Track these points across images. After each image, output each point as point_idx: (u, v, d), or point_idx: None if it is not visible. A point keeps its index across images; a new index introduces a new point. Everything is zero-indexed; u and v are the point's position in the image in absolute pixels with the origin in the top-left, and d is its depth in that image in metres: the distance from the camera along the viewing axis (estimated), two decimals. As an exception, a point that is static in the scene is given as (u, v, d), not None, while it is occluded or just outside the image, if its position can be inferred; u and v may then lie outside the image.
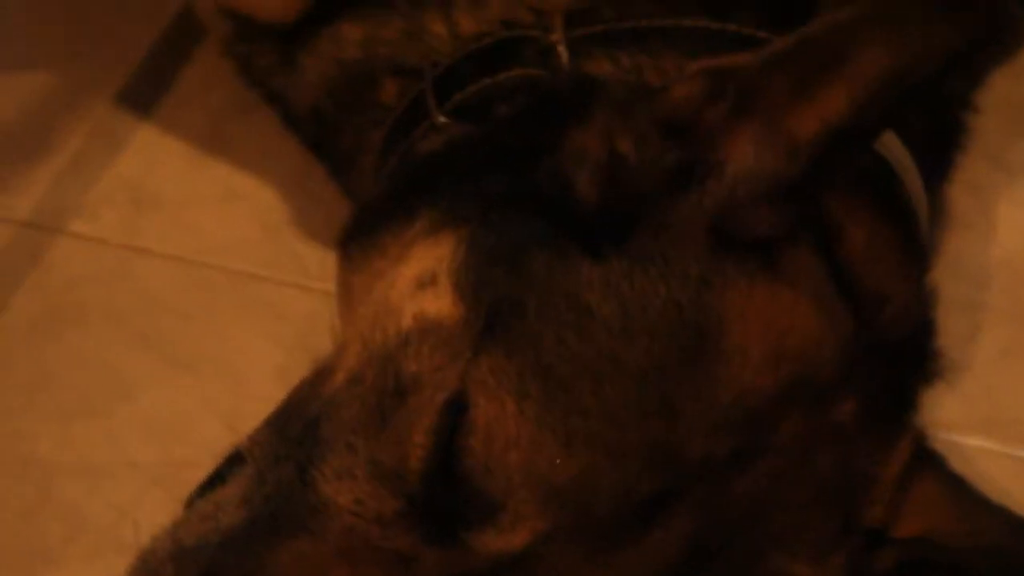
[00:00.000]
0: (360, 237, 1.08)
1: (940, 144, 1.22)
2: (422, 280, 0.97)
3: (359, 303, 1.05)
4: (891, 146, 1.06)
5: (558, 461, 0.90)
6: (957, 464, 1.05)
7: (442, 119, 1.11)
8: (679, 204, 0.95)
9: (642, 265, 0.94)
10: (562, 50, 1.08)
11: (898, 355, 1.04)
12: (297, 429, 0.99)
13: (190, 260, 1.37)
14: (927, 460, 1.04)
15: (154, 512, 0.98)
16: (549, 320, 0.93)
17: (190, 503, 0.99)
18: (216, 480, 0.99)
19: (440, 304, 0.95)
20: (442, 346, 0.94)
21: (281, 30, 1.23)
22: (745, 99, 0.94)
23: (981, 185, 1.37)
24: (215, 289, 1.34)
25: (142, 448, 1.24)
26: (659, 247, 0.95)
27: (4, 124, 1.44)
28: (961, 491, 1.04)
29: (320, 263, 1.24)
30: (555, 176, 0.99)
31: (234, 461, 0.99)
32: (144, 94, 1.44)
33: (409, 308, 0.95)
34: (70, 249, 1.36)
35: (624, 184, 0.96)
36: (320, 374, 1.01)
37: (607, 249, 0.94)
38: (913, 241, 1.09)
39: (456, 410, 0.89)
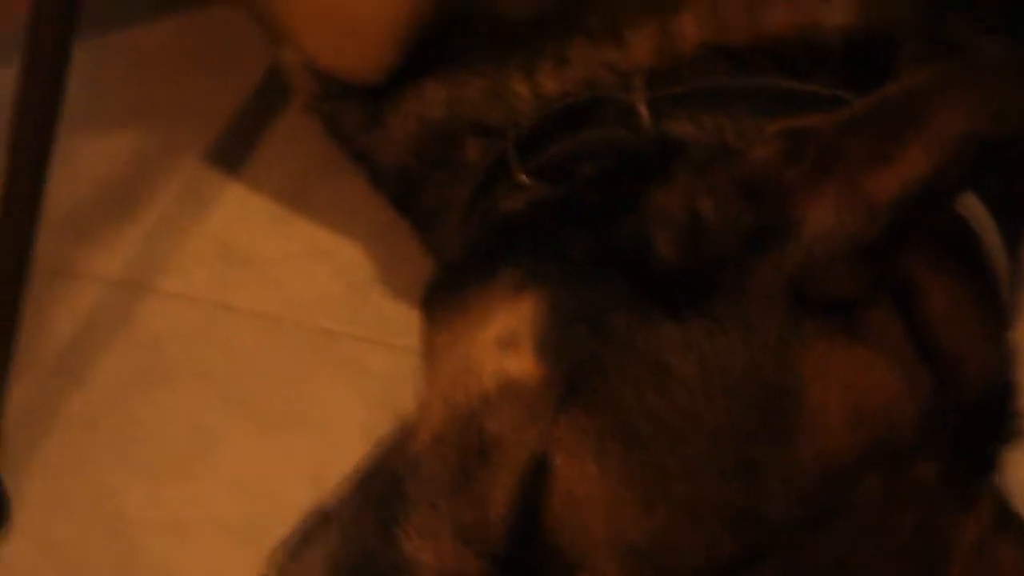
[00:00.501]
0: (443, 296, 1.08)
1: (1020, 203, 1.18)
2: (503, 340, 0.97)
3: (441, 361, 1.04)
4: (970, 205, 1.04)
5: (638, 522, 0.90)
6: None
7: (524, 178, 1.10)
8: (758, 266, 0.95)
9: (721, 326, 0.94)
10: (643, 110, 1.07)
11: (978, 415, 1.02)
12: (381, 488, 0.99)
13: (276, 317, 1.39)
14: (1008, 523, 1.03)
15: (242, 571, 1.03)
16: (629, 380, 0.93)
17: (275, 562, 1.00)
18: (301, 539, 1.00)
19: (521, 364, 0.94)
20: (523, 406, 0.94)
21: (367, 90, 1.24)
22: (824, 160, 0.93)
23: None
24: (300, 346, 1.36)
25: (229, 506, 1.25)
26: (738, 308, 0.95)
27: (96, 181, 1.44)
28: None
29: (404, 320, 1.23)
30: (636, 236, 0.98)
31: (319, 520, 1.00)
32: (232, 152, 1.45)
33: (490, 368, 0.96)
34: (159, 306, 1.37)
35: (704, 245, 0.96)
36: (403, 432, 1.01)
37: (687, 309, 0.94)
38: (993, 301, 1.07)
39: (537, 470, 0.90)
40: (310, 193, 1.42)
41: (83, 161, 1.41)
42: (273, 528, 0.98)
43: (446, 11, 1.18)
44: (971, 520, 1.01)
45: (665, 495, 0.89)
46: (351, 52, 1.23)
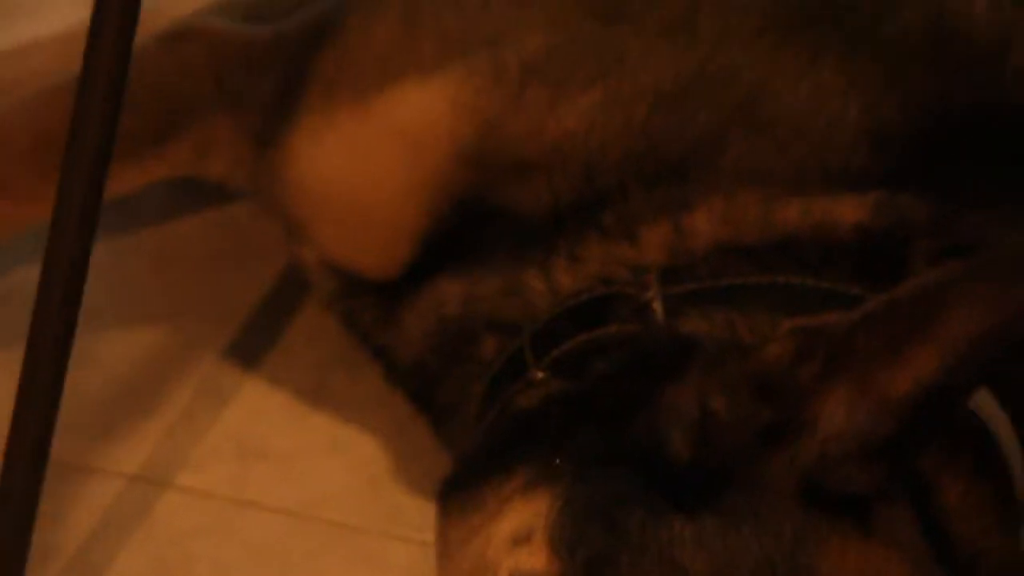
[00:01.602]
0: (458, 491, 1.08)
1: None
2: (518, 536, 0.98)
3: (457, 557, 1.06)
4: (985, 401, 1.06)
5: None
6: None
7: (539, 374, 1.11)
8: (771, 462, 0.96)
9: (734, 522, 0.96)
10: (657, 307, 1.09)
11: None
12: None
13: (294, 512, 1.36)
14: None
15: None
16: None
17: None
18: None
19: (535, 561, 0.96)
20: None
21: (383, 286, 1.25)
22: (836, 359, 0.95)
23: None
24: (319, 541, 1.33)
25: None
26: (751, 505, 0.97)
27: (116, 378, 1.42)
28: None
29: (421, 514, 1.21)
30: (649, 433, 1.00)
31: None
32: (251, 348, 1.46)
33: (505, 564, 0.97)
34: (177, 502, 1.35)
35: (717, 442, 0.97)
36: None
37: (699, 506, 0.95)
38: (1009, 497, 1.08)
39: None
40: (328, 388, 1.41)
41: (102, 358, 1.41)
42: None
43: (462, 210, 1.20)
44: None
45: None
46: (366, 249, 1.24)
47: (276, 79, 1.32)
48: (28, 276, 1.19)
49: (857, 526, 0.96)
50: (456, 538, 1.06)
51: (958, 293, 0.92)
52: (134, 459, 1.37)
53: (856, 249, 1.12)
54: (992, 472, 1.06)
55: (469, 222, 1.21)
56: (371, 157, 1.24)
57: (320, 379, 1.42)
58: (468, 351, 1.20)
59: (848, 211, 1.12)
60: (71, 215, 1.13)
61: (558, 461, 1.03)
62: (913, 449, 0.98)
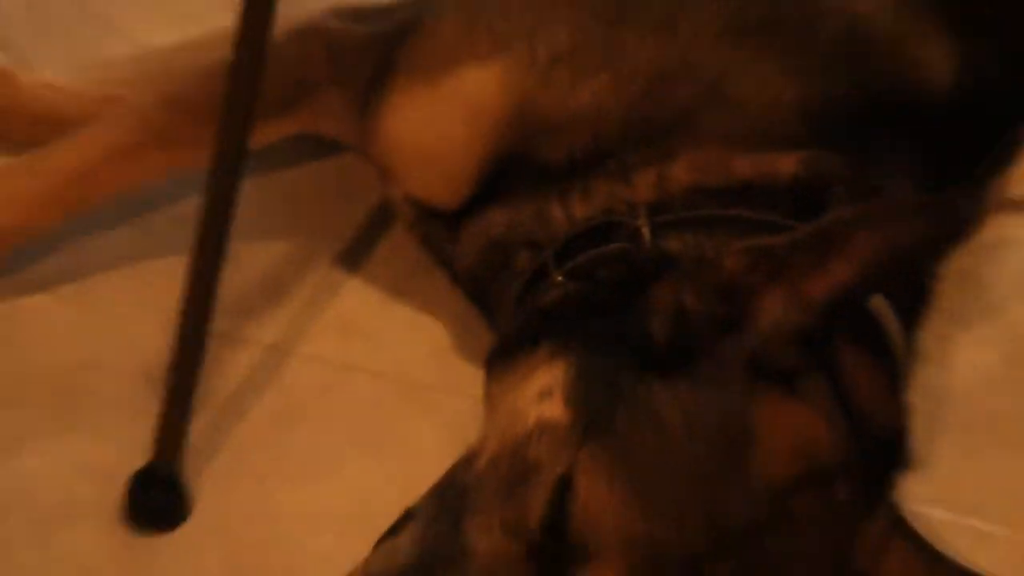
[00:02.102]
0: (500, 360, 1.17)
1: (913, 302, 1.29)
2: (543, 393, 1.07)
3: (497, 407, 1.15)
4: (880, 304, 1.15)
5: (637, 524, 0.99)
6: (924, 531, 1.15)
7: (559, 279, 1.20)
8: (726, 343, 1.06)
9: (698, 384, 1.05)
10: (645, 231, 1.18)
11: (881, 451, 1.13)
12: (453, 496, 1.08)
13: (383, 374, 1.42)
14: (901, 527, 1.14)
15: (357, 555, 1.09)
16: (632, 424, 1.03)
17: (376, 548, 1.09)
18: (394, 529, 1.09)
19: (554, 410, 1.04)
20: (555, 441, 1.03)
21: (448, 215, 1.34)
22: (775, 270, 1.05)
23: (941, 334, 1.42)
24: (400, 395, 1.39)
25: (350, 506, 1.27)
26: (711, 373, 1.05)
27: (257, 274, 1.49)
28: (924, 550, 1.13)
29: (474, 376, 1.26)
30: (637, 320, 1.09)
31: (407, 517, 1.09)
32: (354, 256, 1.52)
33: (533, 413, 1.06)
34: (299, 365, 1.41)
35: (686, 328, 1.07)
36: (469, 457, 1.11)
37: (672, 373, 1.05)
38: (893, 371, 1.18)
39: (564, 486, 1.00)
40: (409, 286, 1.47)
41: (249, 260, 1.45)
42: (380, 523, 1.09)
43: (505, 159, 1.28)
44: (875, 526, 1.11)
45: (657, 505, 1.00)
46: (437, 187, 1.33)
47: (373, 64, 1.36)
48: (196, 202, 1.24)
49: (786, 391, 1.05)
50: (497, 393, 1.16)
51: (863, 225, 1.02)
52: (270, 333, 1.43)
53: (791, 192, 1.21)
54: (882, 353, 1.15)
55: (510, 168, 1.29)
56: (441, 121, 1.30)
57: (403, 280, 1.48)
58: (508, 262, 1.28)
59: (785, 165, 1.21)
60: (227, 159, 1.20)
61: (572, 340, 1.11)
62: (828, 336, 1.07)
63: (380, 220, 1.53)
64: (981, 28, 1.40)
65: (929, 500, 1.25)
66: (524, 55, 1.28)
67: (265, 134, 1.34)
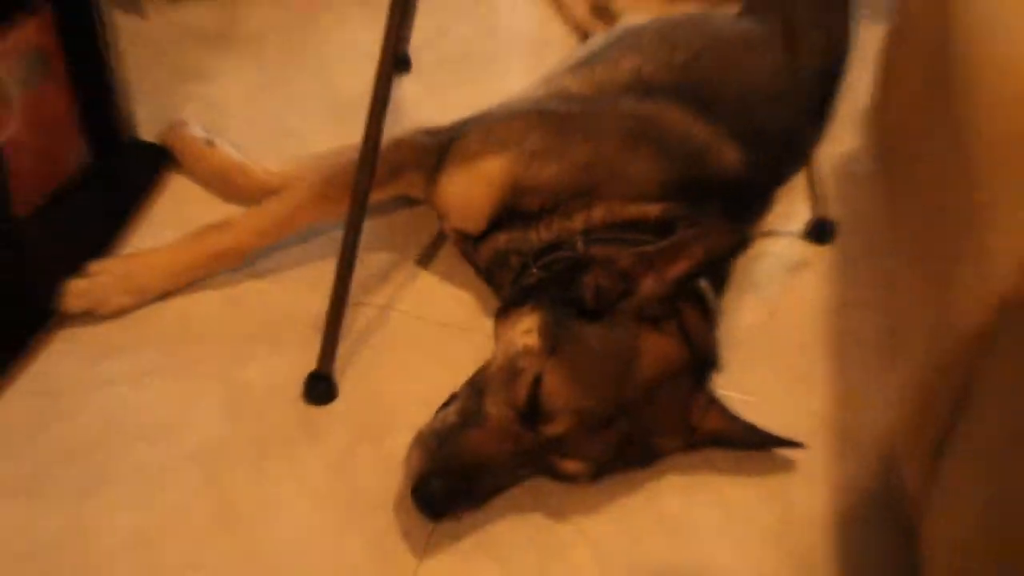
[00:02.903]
0: (503, 313, 1.29)
1: (720, 279, 1.40)
2: (526, 331, 1.21)
3: (501, 338, 1.26)
4: (704, 283, 1.30)
5: (576, 400, 1.14)
6: (724, 402, 1.28)
7: (535, 271, 1.33)
8: (623, 303, 1.20)
9: (609, 325, 1.19)
10: (580, 245, 1.32)
11: (704, 360, 1.26)
12: (478, 386, 1.20)
13: (436, 320, 1.46)
14: (715, 400, 1.28)
15: None
16: (574, 347, 1.17)
17: (437, 412, 1.21)
18: (446, 404, 1.22)
19: (532, 340, 1.19)
20: (532, 356, 1.18)
21: (475, 237, 1.43)
22: (648, 264, 1.21)
23: (731, 300, 1.47)
24: (449, 335, 1.44)
25: (425, 390, 1.28)
26: (617, 320, 1.19)
27: (372, 265, 1.52)
28: (726, 412, 1.28)
29: (488, 323, 1.35)
30: (576, 292, 1.22)
31: (452, 397, 1.22)
32: (424, 261, 1.57)
33: (520, 341, 1.20)
34: (396, 317, 1.46)
35: (603, 296, 1.20)
36: (485, 366, 1.24)
37: (596, 320, 1.19)
38: (711, 317, 1.29)
39: (537, 380, 1.14)
40: (453, 275, 1.53)
41: (368, 260, 1.52)
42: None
43: (504, 207, 1.39)
44: (701, 398, 1.26)
45: (586, 389, 1.15)
46: (469, 223, 1.43)
47: (436, 158, 1.45)
48: (337, 235, 1.31)
49: (655, 328, 1.21)
50: (501, 332, 1.27)
51: (694, 242, 1.19)
52: (380, 298, 1.49)
53: (656, 225, 1.33)
54: (705, 309, 1.28)
55: (507, 212, 1.39)
56: (471, 188, 1.42)
57: (451, 271, 1.53)
58: (506, 262, 1.39)
59: (653, 211, 1.35)
60: (356, 211, 1.29)
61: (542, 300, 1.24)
62: (677, 299, 1.22)
63: (439, 239, 1.58)
64: (753, 141, 1.48)
65: (723, 386, 1.32)
66: (515, 154, 1.38)
67: (378, 195, 1.42)
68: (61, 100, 1.48)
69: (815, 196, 1.58)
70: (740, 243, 1.23)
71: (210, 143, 1.59)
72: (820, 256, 1.58)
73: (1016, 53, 0.92)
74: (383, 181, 1.39)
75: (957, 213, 0.99)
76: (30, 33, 1.40)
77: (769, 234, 1.61)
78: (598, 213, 1.35)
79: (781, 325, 1.48)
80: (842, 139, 1.76)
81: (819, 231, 1.61)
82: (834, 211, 1.61)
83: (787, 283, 1.55)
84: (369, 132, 1.24)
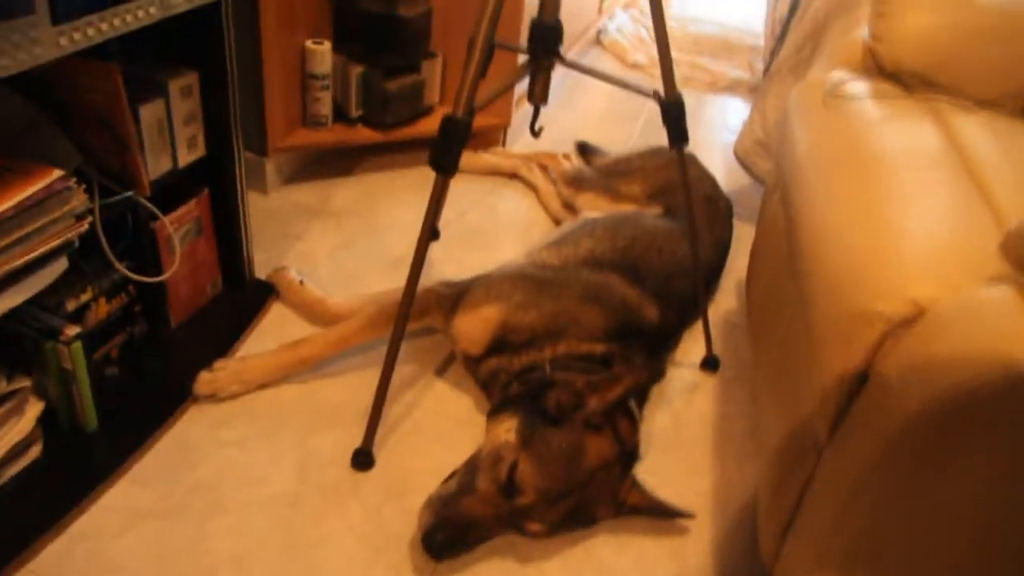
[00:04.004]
0: (493, 414, 1.24)
1: (643, 397, 1.37)
2: (507, 429, 1.16)
3: (490, 433, 1.20)
4: (632, 401, 1.25)
5: (539, 481, 1.11)
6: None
7: (516, 386, 1.28)
8: (576, 415, 1.16)
9: (567, 430, 1.15)
10: (548, 369, 1.27)
11: (630, 454, 1.22)
12: (471, 466, 1.16)
13: (448, 415, 1.39)
14: (637, 483, 1.22)
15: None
16: (540, 444, 1.13)
17: (442, 484, 1.16)
18: (449, 478, 1.17)
19: (511, 437, 1.15)
20: (511, 449, 1.14)
21: (476, 358, 1.37)
22: (595, 388, 1.18)
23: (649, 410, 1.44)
24: (454, 424, 1.37)
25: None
26: (571, 426, 1.15)
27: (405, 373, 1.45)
28: (646, 493, 1.21)
29: (482, 419, 1.28)
30: (544, 404, 1.18)
31: (453, 473, 1.17)
32: (444, 371, 1.51)
33: (503, 437, 1.16)
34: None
35: (562, 409, 1.16)
36: (477, 452, 1.18)
37: (556, 425, 1.15)
38: (636, 424, 1.24)
39: (514, 466, 1.11)
40: (460, 384, 1.46)
41: (401, 373, 1.46)
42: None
43: (497, 341, 1.35)
44: (626, 481, 1.20)
45: (549, 472, 1.11)
46: (472, 349, 1.37)
47: (451, 303, 1.39)
48: (382, 350, 1.25)
49: (597, 432, 1.16)
50: (490, 428, 1.21)
51: (625, 375, 1.18)
52: (409, 396, 1.43)
53: (601, 359, 1.30)
54: (632, 418, 1.23)
55: (498, 344, 1.34)
56: (475, 327, 1.36)
57: (459, 381, 1.47)
58: (497, 378, 1.33)
59: (599, 348, 1.31)
60: (396, 338, 1.23)
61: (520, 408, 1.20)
62: (614, 413, 1.19)
63: (451, 358, 1.52)
64: (667, 301, 1.44)
65: (642, 472, 1.28)
66: (505, 305, 1.34)
67: (411, 326, 1.32)
68: (209, 250, 1.51)
69: (708, 339, 1.57)
70: (656, 376, 1.27)
71: (301, 283, 1.58)
72: (710, 381, 1.56)
73: (835, 257, 0.93)
74: (415, 317, 1.34)
75: (798, 352, 1.00)
76: (192, 208, 1.46)
77: (676, 364, 1.59)
78: (561, 348, 1.32)
79: (682, 429, 1.44)
80: (726, 301, 1.78)
81: (710, 364, 1.59)
82: (719, 350, 1.60)
83: (687, 399, 1.51)
84: (410, 281, 1.20)
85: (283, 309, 1.58)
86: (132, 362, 1.37)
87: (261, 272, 1.62)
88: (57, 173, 1.09)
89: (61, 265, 1.16)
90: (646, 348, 1.37)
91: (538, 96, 1.24)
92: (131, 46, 1.13)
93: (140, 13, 1.06)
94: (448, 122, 1.06)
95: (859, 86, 1.27)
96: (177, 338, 1.45)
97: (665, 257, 1.51)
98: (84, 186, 1.14)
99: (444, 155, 1.07)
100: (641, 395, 1.36)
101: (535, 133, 1.23)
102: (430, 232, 1.14)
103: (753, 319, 1.46)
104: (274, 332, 1.51)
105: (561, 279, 1.38)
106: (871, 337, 0.78)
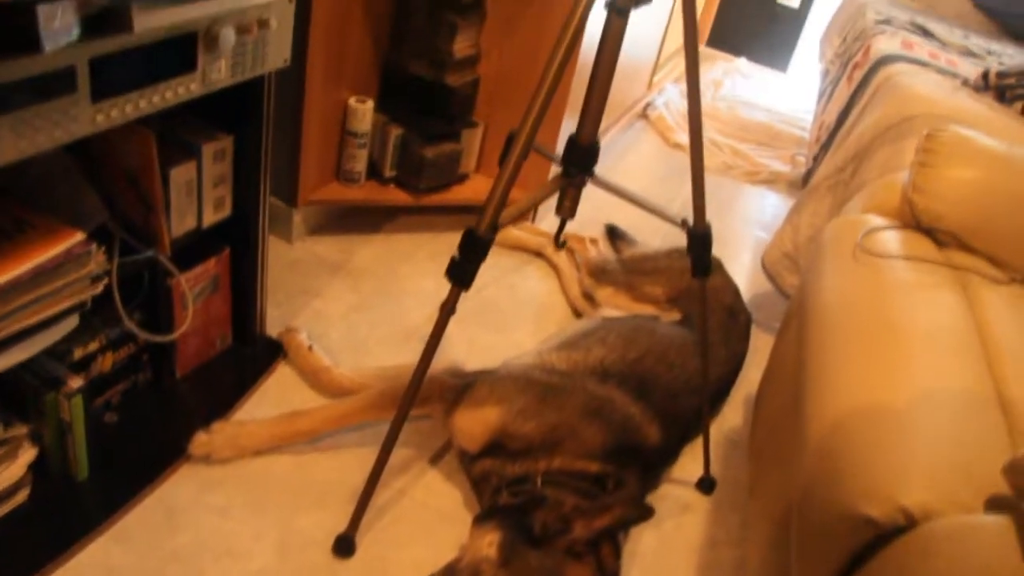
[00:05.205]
0: (478, 521, 1.21)
1: (625, 532, 1.31)
2: (490, 543, 1.14)
3: (472, 541, 1.18)
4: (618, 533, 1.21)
5: None
6: None
7: (505, 495, 1.26)
8: (560, 539, 1.14)
9: (547, 554, 1.13)
10: (539, 482, 1.26)
11: None
12: (450, 573, 1.13)
13: (432, 507, 1.39)
14: None
15: None
16: (519, 564, 1.11)
17: None
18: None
19: (492, 552, 1.13)
20: (490, 565, 1.11)
21: (471, 456, 1.35)
22: (583, 514, 1.15)
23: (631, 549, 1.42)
24: (446, 518, 1.36)
25: None
26: (552, 551, 1.13)
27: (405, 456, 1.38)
28: None
29: (467, 521, 1.25)
30: (530, 523, 1.16)
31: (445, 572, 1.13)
32: (438, 460, 1.48)
33: (484, 551, 1.13)
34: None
35: (547, 530, 1.14)
36: (458, 557, 1.16)
37: (538, 547, 1.14)
38: (618, 551, 1.20)
39: None
40: (453, 476, 1.45)
41: (395, 466, 1.43)
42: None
43: (493, 442, 1.32)
44: None
45: None
46: (470, 446, 1.35)
47: (454, 396, 1.37)
48: (381, 430, 1.24)
49: (578, 560, 1.14)
50: (473, 536, 1.19)
51: (613, 505, 1.16)
52: (400, 482, 1.41)
53: (595, 478, 1.27)
54: (616, 546, 1.20)
55: (495, 447, 1.32)
56: (474, 425, 1.34)
57: (452, 473, 1.45)
58: (488, 480, 1.32)
59: (593, 467, 1.28)
60: (398, 421, 1.22)
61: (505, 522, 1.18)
62: (599, 542, 1.16)
63: (447, 447, 1.50)
64: (670, 420, 1.42)
65: None
66: (506, 409, 1.33)
67: (412, 413, 1.28)
68: (223, 306, 1.51)
69: (706, 459, 1.55)
70: (645, 515, 1.19)
71: (310, 348, 1.58)
72: (703, 503, 1.53)
73: (836, 437, 0.91)
74: (416, 404, 1.29)
75: (790, 475, 1.02)
76: (211, 266, 1.46)
77: (671, 481, 1.56)
78: (556, 463, 1.29)
79: (668, 553, 1.42)
80: (733, 416, 1.75)
81: (705, 485, 1.57)
82: (718, 469, 1.58)
83: (677, 521, 1.49)
84: (416, 374, 1.18)
85: (289, 371, 1.57)
86: (133, 409, 1.37)
87: (274, 327, 1.62)
88: (79, 236, 1.10)
89: (71, 323, 1.17)
90: (643, 468, 1.36)
91: (566, 210, 1.23)
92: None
93: (180, 90, 1.07)
94: (470, 236, 1.06)
95: (892, 239, 1.28)
96: (180, 390, 1.45)
97: (675, 373, 1.49)
98: (104, 247, 1.16)
99: (462, 269, 1.08)
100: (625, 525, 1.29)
101: (560, 245, 1.20)
102: (439, 341, 1.13)
103: (755, 443, 1.44)
104: (277, 395, 1.51)
105: (566, 388, 1.36)
106: (856, 543, 0.78)
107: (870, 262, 1.20)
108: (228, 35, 1.07)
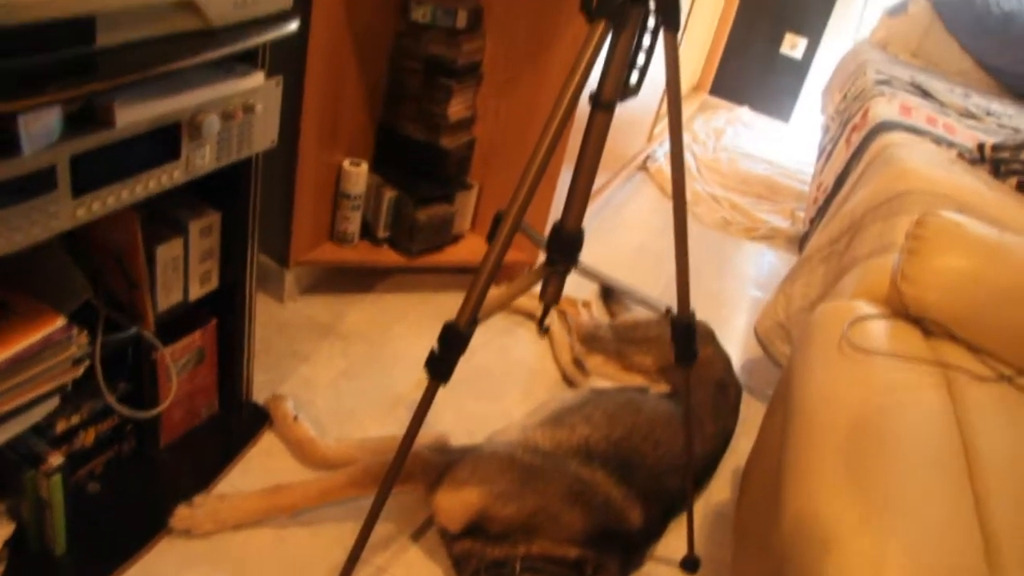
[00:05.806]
0: None
1: None
2: None
3: None
4: None
5: None
6: None
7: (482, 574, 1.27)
8: None
9: None
10: (518, 567, 1.26)
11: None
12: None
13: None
14: None
15: None
16: None
17: None
18: None
19: None
20: None
21: (452, 535, 1.34)
22: None
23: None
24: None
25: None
26: None
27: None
28: None
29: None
30: None
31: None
32: (421, 533, 1.49)
33: None
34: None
35: None
36: None
37: None
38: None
39: None
40: (434, 553, 1.44)
41: (385, 519, 1.47)
42: None
43: (473, 524, 1.31)
44: None
45: None
46: (451, 525, 1.33)
47: (436, 475, 1.37)
48: (364, 505, 1.26)
49: None
50: None
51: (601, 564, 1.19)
52: (381, 559, 1.40)
53: (575, 565, 1.26)
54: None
55: (475, 528, 1.31)
56: (455, 506, 1.33)
57: (433, 549, 1.44)
58: (468, 561, 1.31)
59: (572, 552, 1.28)
60: (382, 496, 1.19)
61: None
62: None
63: (429, 523, 1.49)
64: (653, 500, 1.44)
65: None
66: (487, 491, 1.30)
67: (395, 490, 1.25)
68: (209, 375, 1.51)
69: (690, 538, 1.53)
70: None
71: (295, 418, 1.57)
72: (686, 584, 1.48)
73: (805, 500, 0.95)
74: (399, 481, 1.34)
75: (769, 562, 1.03)
76: (197, 338, 1.46)
77: (654, 560, 1.54)
78: (535, 548, 1.29)
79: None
80: (720, 490, 1.73)
81: (689, 565, 1.54)
82: (703, 546, 1.57)
83: (659, 607, 1.45)
84: (397, 457, 1.16)
85: (274, 438, 1.57)
86: (116, 479, 1.37)
87: (261, 392, 1.63)
88: (59, 322, 1.10)
89: (52, 404, 1.17)
90: (624, 551, 1.35)
91: (550, 297, 1.23)
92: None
93: (164, 178, 1.06)
94: (449, 331, 1.05)
95: (879, 330, 1.28)
96: (164, 459, 1.46)
97: (661, 452, 1.49)
98: (86, 330, 1.16)
99: (440, 363, 1.07)
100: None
101: (543, 330, 1.20)
102: (420, 425, 1.12)
103: (740, 521, 1.43)
104: (261, 464, 1.51)
105: (549, 469, 1.36)
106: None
107: (855, 357, 1.19)
108: (212, 123, 1.06)
